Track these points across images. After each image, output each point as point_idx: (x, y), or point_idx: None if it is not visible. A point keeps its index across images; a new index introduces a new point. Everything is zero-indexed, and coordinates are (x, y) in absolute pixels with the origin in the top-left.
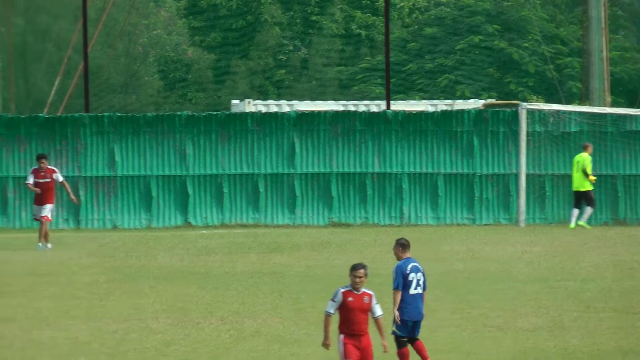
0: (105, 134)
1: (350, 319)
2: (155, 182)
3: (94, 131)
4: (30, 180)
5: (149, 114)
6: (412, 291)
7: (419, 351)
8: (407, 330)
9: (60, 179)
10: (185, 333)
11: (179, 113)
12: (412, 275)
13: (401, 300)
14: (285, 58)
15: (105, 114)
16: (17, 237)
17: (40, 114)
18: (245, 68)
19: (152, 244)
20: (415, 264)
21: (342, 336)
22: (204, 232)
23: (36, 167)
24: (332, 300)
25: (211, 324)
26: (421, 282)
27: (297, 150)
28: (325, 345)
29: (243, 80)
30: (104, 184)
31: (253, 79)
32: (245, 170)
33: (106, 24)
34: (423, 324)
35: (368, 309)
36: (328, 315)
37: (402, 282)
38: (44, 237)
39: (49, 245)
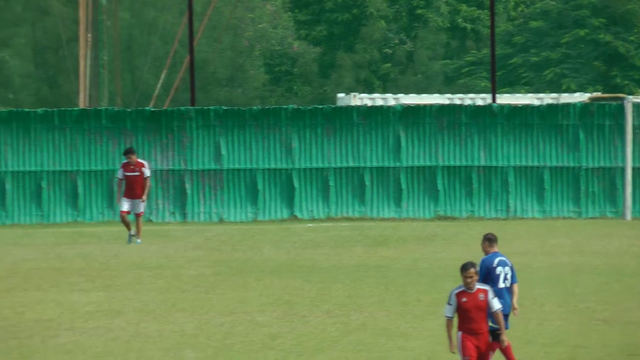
0: (211, 127)
1: (468, 318)
2: (261, 176)
3: (200, 125)
4: (120, 174)
5: (255, 107)
6: (500, 285)
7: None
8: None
9: (147, 174)
10: (291, 326)
11: (284, 106)
12: (499, 269)
13: None
14: (390, 51)
15: (211, 107)
16: (125, 230)
17: (147, 108)
18: (351, 61)
19: (258, 237)
20: (503, 258)
21: (460, 333)
22: (310, 225)
23: (126, 161)
24: (448, 303)
25: (317, 317)
26: (509, 276)
27: (403, 143)
28: (452, 350)
29: (349, 73)
30: (210, 177)
31: (358, 72)
32: (351, 164)
33: (212, 17)
34: (530, 316)
35: (485, 306)
36: (448, 319)
37: (483, 275)
38: (128, 227)
39: (132, 232)
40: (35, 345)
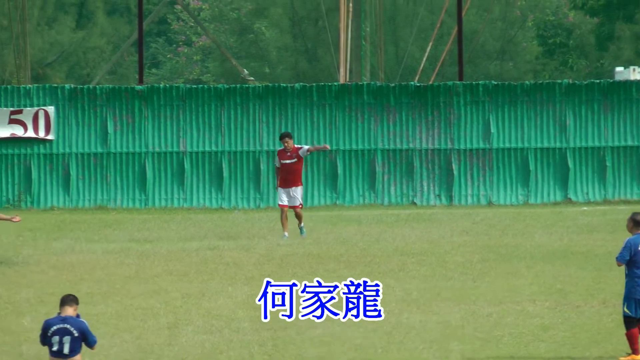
0: (480, 103)
1: None
2: (533, 155)
3: (468, 100)
4: (277, 163)
5: (527, 82)
6: None
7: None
8: (635, 310)
9: (305, 148)
10: (563, 317)
11: (558, 81)
12: None
13: (632, 278)
14: None
15: (480, 82)
16: (387, 213)
17: (411, 82)
18: (630, 32)
19: (529, 221)
20: None
21: None
22: (585, 208)
23: (281, 147)
24: None
25: (592, 307)
26: None
27: None
28: None
29: (628, 45)
30: (479, 157)
31: (639, 44)
32: (629, 142)
33: None
34: None
35: None
36: None
37: (627, 256)
38: (285, 226)
39: (302, 225)
40: (290, 336)
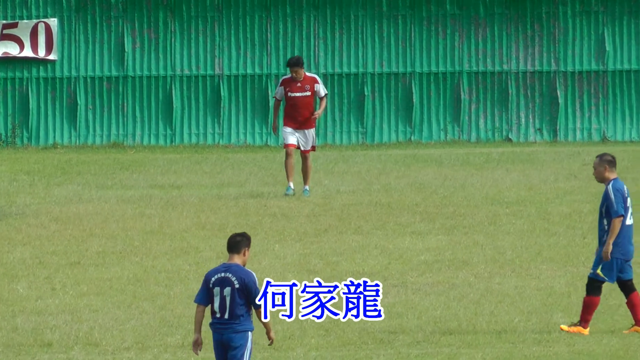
0: (592, 14)
1: None
2: None
3: (577, 11)
4: (279, 94)
5: None
6: (627, 221)
7: (634, 307)
8: (615, 275)
9: (322, 92)
10: None
11: None
12: (629, 200)
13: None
14: None
15: None
16: (474, 152)
17: None
18: None
19: None
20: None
21: None
22: None
23: (287, 76)
24: None
25: None
26: (631, 210)
27: None
28: None
29: None
30: (590, 81)
31: None
32: None
33: None
34: None
35: None
36: None
37: (623, 206)
38: (291, 173)
39: (307, 187)
40: None
